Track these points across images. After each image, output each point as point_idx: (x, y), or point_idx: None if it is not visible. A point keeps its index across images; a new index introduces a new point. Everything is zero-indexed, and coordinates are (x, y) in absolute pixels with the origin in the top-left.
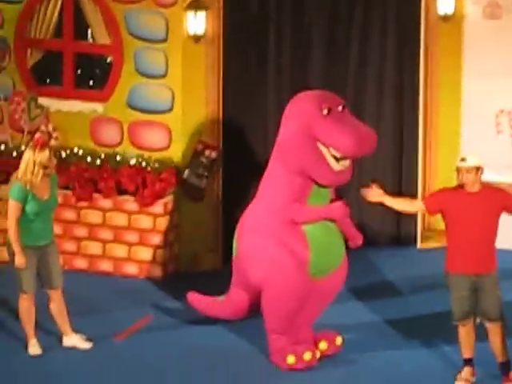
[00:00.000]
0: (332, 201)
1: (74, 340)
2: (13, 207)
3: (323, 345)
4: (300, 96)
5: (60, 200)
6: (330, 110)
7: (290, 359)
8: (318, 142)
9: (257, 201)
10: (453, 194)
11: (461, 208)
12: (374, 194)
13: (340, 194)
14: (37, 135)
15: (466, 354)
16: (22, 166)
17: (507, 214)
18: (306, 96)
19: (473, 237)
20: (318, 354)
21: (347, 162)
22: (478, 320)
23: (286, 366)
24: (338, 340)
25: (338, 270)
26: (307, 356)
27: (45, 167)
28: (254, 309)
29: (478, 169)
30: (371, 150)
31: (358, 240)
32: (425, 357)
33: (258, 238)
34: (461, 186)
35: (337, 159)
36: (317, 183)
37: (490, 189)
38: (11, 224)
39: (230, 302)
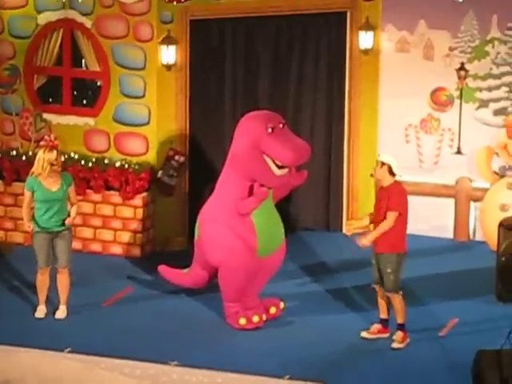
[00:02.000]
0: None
1: (59, 310)
2: (25, 195)
3: (273, 309)
4: (249, 115)
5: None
6: (273, 129)
7: (242, 321)
8: (264, 155)
9: (214, 197)
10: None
11: (376, 199)
12: (364, 240)
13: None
14: (42, 142)
15: (380, 314)
16: (35, 162)
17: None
18: (254, 116)
19: (377, 224)
20: (264, 317)
21: (286, 169)
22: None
23: (238, 326)
24: (281, 305)
25: (278, 250)
26: (255, 319)
27: (52, 164)
28: (211, 280)
29: (383, 164)
30: (307, 159)
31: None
32: (349, 317)
33: (216, 227)
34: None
35: (279, 167)
36: (262, 185)
37: (392, 187)
38: (23, 208)
39: (192, 275)
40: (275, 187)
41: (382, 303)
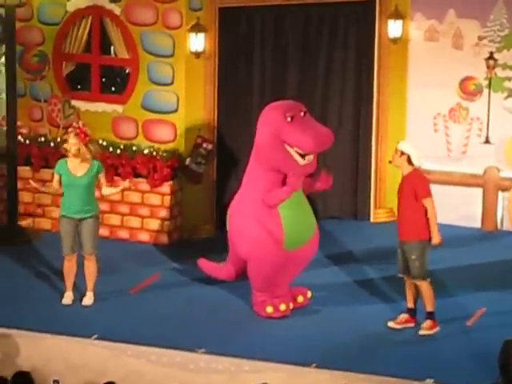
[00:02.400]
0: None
1: (85, 297)
2: (54, 178)
3: (300, 298)
4: (270, 106)
5: None
6: (292, 117)
7: (269, 309)
8: (285, 144)
9: (241, 189)
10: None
11: (398, 190)
12: (435, 239)
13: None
14: (70, 129)
15: (408, 304)
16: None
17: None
18: (274, 106)
19: (401, 212)
20: (291, 306)
21: (311, 157)
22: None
23: (265, 314)
24: (309, 294)
25: (309, 242)
26: (282, 307)
27: (74, 152)
28: (244, 272)
29: (402, 153)
30: (329, 146)
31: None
32: (376, 307)
33: (242, 219)
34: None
35: (302, 156)
36: (293, 176)
37: (414, 175)
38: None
39: (227, 268)
40: (301, 176)
41: (409, 293)
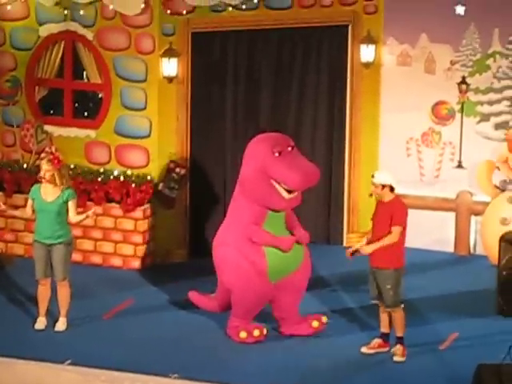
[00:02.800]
0: (291, 227)
1: (58, 322)
2: (27, 203)
3: (315, 323)
4: (257, 138)
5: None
6: (280, 152)
7: (242, 334)
8: (271, 179)
9: (225, 221)
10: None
11: (376, 213)
12: (366, 248)
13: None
14: (43, 154)
15: (381, 329)
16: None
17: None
18: (261, 139)
19: (376, 239)
20: (265, 331)
21: (296, 192)
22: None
23: (238, 339)
24: (324, 319)
25: (297, 271)
26: (256, 333)
27: (48, 178)
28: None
29: (383, 186)
30: (315, 183)
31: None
32: (350, 332)
33: (226, 250)
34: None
35: (288, 191)
36: (270, 209)
37: (393, 202)
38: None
39: (217, 299)
40: (285, 210)
41: (382, 317)
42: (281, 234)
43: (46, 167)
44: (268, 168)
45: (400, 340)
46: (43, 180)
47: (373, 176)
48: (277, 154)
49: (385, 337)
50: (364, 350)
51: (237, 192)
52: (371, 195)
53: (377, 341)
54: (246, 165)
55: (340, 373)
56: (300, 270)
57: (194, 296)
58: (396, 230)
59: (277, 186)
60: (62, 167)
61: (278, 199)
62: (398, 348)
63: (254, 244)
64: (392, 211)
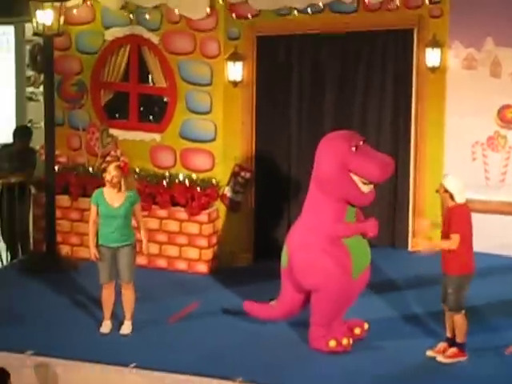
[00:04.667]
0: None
1: (124, 325)
2: (90, 209)
3: (357, 330)
4: (330, 136)
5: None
6: (356, 147)
7: (332, 343)
8: (351, 173)
9: (302, 222)
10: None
11: (442, 220)
12: (425, 245)
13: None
14: (109, 157)
15: (447, 333)
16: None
17: None
18: (335, 136)
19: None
20: (351, 340)
21: (372, 185)
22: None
23: (327, 349)
24: (366, 326)
25: (366, 269)
26: (345, 341)
27: (114, 183)
28: (302, 308)
29: (446, 191)
30: (391, 173)
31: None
32: (417, 336)
33: (309, 253)
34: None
35: (364, 183)
36: (351, 204)
37: (453, 208)
38: (89, 223)
39: (283, 305)
40: (364, 204)
41: (449, 322)
42: None
43: (114, 173)
44: (348, 163)
45: (459, 345)
46: (108, 184)
47: (445, 176)
48: (354, 149)
49: (450, 341)
50: (429, 353)
51: (313, 192)
52: (437, 191)
53: (442, 344)
54: (323, 162)
55: (407, 377)
56: (367, 268)
57: (249, 306)
58: (454, 237)
59: (356, 180)
60: (129, 174)
61: (359, 193)
62: (452, 350)
63: (337, 243)
64: (451, 218)
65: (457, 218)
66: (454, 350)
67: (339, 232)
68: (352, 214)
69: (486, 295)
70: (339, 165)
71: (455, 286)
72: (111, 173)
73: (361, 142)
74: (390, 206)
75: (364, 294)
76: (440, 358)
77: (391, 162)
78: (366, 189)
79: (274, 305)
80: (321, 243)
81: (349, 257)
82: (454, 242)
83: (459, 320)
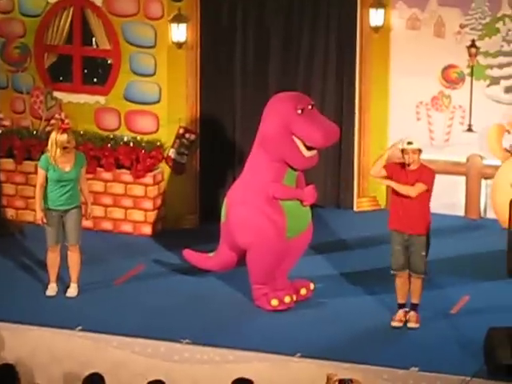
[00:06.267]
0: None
1: (70, 288)
2: (38, 173)
3: (303, 291)
4: (278, 96)
5: None
6: (303, 110)
7: (274, 302)
8: (293, 136)
9: (242, 179)
10: (399, 168)
11: (402, 180)
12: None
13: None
14: (53, 121)
15: (400, 300)
16: (49, 143)
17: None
18: (283, 97)
19: (407, 204)
20: (294, 298)
21: (315, 150)
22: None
23: (270, 307)
24: (311, 286)
25: (306, 231)
26: (287, 299)
27: (64, 147)
28: (239, 263)
29: (420, 151)
30: (335, 141)
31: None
32: (368, 302)
33: (245, 210)
34: (402, 164)
35: (308, 148)
36: (291, 167)
37: (422, 167)
38: (37, 187)
39: (219, 258)
40: (305, 169)
41: (404, 288)
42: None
43: (63, 138)
44: (291, 124)
45: (415, 307)
46: (65, 150)
47: (410, 143)
48: (299, 112)
49: (403, 306)
50: (395, 324)
51: (255, 150)
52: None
53: (401, 311)
54: (268, 122)
55: (352, 338)
56: (308, 229)
57: (189, 254)
58: (420, 186)
59: (298, 143)
60: (70, 130)
61: (299, 156)
62: (413, 315)
63: (273, 202)
64: (421, 176)
65: (429, 175)
66: (414, 314)
67: (275, 192)
68: (292, 178)
69: (432, 254)
70: (282, 125)
71: (426, 247)
72: (62, 139)
73: (309, 106)
74: (335, 166)
75: (309, 254)
76: (412, 325)
77: (336, 130)
78: (307, 153)
79: (211, 256)
80: (257, 201)
81: (283, 217)
82: (417, 189)
83: (421, 281)
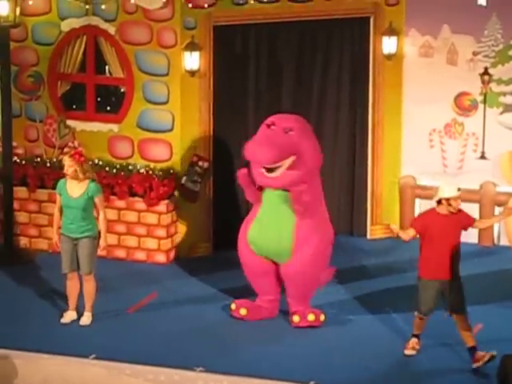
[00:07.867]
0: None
1: (83, 317)
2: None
3: (311, 317)
4: None
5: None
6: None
7: (295, 319)
8: None
9: None
10: (431, 216)
11: (438, 228)
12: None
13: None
14: (66, 149)
15: (416, 331)
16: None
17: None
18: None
19: (443, 250)
20: (322, 317)
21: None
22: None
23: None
24: (322, 317)
25: (289, 263)
26: (311, 317)
27: (71, 174)
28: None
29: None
30: (249, 158)
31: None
32: (383, 327)
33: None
34: (435, 210)
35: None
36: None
37: (458, 212)
38: (55, 211)
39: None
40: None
41: (421, 324)
42: (275, 213)
43: (68, 163)
44: None
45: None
46: (67, 176)
47: (459, 189)
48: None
49: (418, 336)
50: (408, 352)
51: None
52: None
53: (414, 340)
54: None
55: (365, 365)
56: (291, 263)
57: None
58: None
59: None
60: (85, 162)
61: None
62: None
63: (254, 207)
64: (462, 217)
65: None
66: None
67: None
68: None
69: None
70: None
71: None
72: (65, 163)
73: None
74: (348, 194)
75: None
76: (407, 352)
77: (251, 145)
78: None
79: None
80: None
81: (248, 227)
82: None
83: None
